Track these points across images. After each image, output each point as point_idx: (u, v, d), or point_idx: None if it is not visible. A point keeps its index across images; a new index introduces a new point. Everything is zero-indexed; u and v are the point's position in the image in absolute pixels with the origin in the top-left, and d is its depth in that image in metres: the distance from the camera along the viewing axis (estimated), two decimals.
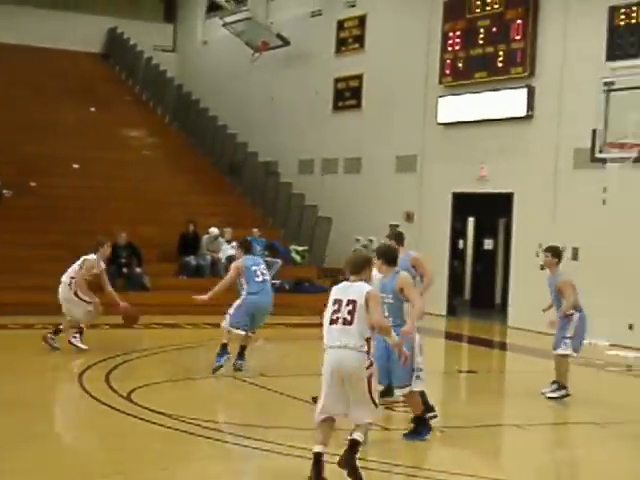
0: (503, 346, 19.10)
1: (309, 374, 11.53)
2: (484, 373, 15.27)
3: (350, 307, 7.93)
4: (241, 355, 13.15)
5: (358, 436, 7.91)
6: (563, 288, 12.16)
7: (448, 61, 22.17)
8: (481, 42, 21.29)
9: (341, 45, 26.04)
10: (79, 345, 14.17)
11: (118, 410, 10.34)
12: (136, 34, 33.18)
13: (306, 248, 24.16)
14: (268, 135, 27.98)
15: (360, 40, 25.44)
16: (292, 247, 23.90)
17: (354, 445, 7.85)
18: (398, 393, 9.57)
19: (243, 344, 13.18)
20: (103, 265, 14.73)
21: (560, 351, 12.20)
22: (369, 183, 24.65)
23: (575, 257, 18.88)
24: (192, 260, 21.86)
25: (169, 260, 22.05)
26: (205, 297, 13.31)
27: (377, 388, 8.17)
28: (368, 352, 7.91)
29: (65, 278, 14.56)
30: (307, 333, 18.46)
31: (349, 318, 7.91)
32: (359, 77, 25.34)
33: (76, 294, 14.35)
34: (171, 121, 31.68)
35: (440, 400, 11.43)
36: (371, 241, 24.33)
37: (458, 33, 21.92)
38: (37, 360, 13.67)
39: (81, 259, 14.55)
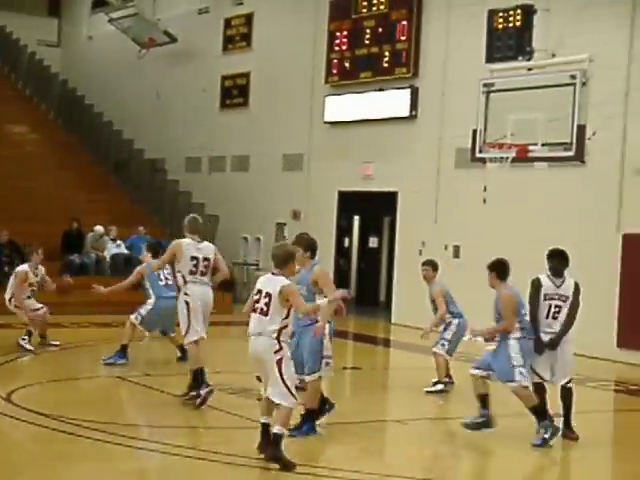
0: (387, 343, 19.40)
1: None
2: (368, 369, 15.48)
3: (267, 299, 8.45)
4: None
5: (278, 429, 8.39)
6: (435, 298, 12.71)
7: (334, 61, 22.37)
8: (367, 42, 21.55)
9: (228, 43, 26.00)
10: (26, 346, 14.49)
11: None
12: (19, 28, 32.44)
13: None
14: (155, 132, 27.76)
15: (247, 38, 25.45)
16: None
17: (276, 439, 8.38)
18: (308, 380, 9.64)
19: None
20: (41, 271, 15.20)
21: (436, 349, 12.77)
22: (257, 181, 24.70)
23: (457, 255, 19.31)
24: (76, 258, 21.57)
25: (53, 258, 21.65)
26: (104, 291, 13.28)
27: (292, 376, 8.58)
28: (278, 339, 8.40)
29: (6, 295, 14.91)
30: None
31: (265, 309, 8.46)
32: (246, 75, 25.36)
33: (17, 307, 14.81)
34: (55, 117, 31.14)
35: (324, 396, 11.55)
36: (258, 239, 24.45)
37: (344, 33, 22.13)
38: None
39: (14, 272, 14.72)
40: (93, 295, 13.44)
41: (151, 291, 13.72)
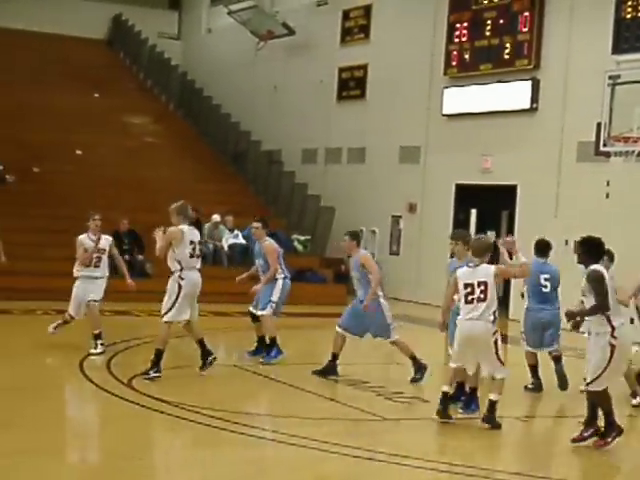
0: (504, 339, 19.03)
1: (310, 363, 11.63)
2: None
3: (482, 287, 9.63)
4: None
5: (495, 397, 9.72)
6: (365, 264, 12.38)
7: (454, 52, 22.12)
8: (487, 34, 21.24)
9: (346, 35, 25.97)
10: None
11: (118, 396, 10.35)
12: (141, 21, 33.12)
13: (308, 237, 24.12)
14: (272, 124, 27.94)
15: (365, 30, 25.37)
16: (294, 236, 23.86)
17: (493, 405, 9.74)
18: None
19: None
20: (102, 241, 13.39)
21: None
22: (372, 173, 24.61)
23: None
24: None
25: None
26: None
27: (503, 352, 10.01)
28: (494, 322, 9.70)
29: None
30: (307, 323, 18.52)
31: (483, 296, 9.64)
32: (364, 67, 25.29)
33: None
34: (175, 109, 31.66)
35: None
36: (374, 232, 24.35)
37: (464, 24, 21.86)
38: (37, 346, 13.64)
39: None
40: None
41: (280, 269, 13.26)
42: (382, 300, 12.18)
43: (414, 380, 12.11)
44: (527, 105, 20.41)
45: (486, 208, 22.47)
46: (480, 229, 24.11)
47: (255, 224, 13.39)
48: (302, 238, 23.86)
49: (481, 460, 8.88)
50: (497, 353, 9.77)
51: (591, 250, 9.28)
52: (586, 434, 9.18)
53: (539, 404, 11.96)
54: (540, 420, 11.36)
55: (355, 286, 12.49)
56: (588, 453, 9.19)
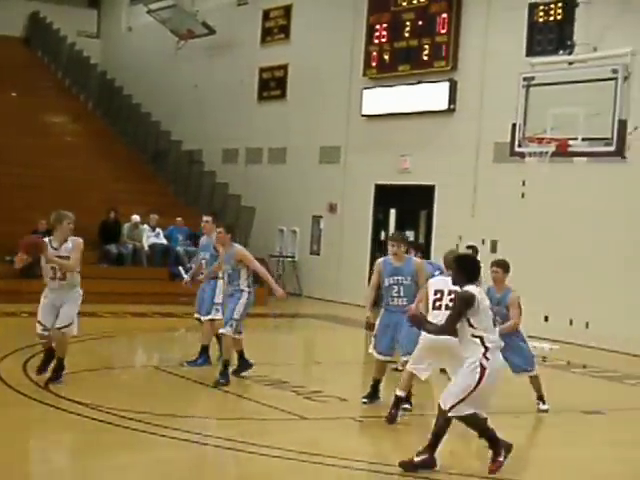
0: None
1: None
2: None
3: (452, 295, 9.34)
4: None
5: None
6: (243, 259, 11.84)
7: (373, 53, 22.30)
8: (406, 35, 21.46)
9: (266, 35, 26.00)
10: None
11: (34, 399, 10.24)
12: (59, 19, 32.72)
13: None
14: (192, 124, 27.84)
15: (285, 30, 25.44)
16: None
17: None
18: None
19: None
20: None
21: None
22: (293, 174, 24.69)
23: (494, 249, 19.17)
24: (113, 248, 21.67)
25: (90, 248, 21.77)
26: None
27: None
28: None
29: None
30: None
31: (451, 304, 9.28)
32: (284, 67, 25.36)
33: None
34: (94, 108, 31.32)
35: (360, 389, 11.54)
36: (294, 232, 24.42)
37: (384, 25, 22.06)
38: None
39: None
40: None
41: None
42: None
43: (218, 384, 11.51)
44: (445, 106, 20.68)
45: (405, 208, 22.72)
46: (399, 229, 24.39)
47: (206, 217, 13.14)
48: None
49: (398, 459, 8.98)
50: None
51: (466, 269, 8.31)
52: (500, 458, 8.32)
53: None
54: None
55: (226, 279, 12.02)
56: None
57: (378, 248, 23.42)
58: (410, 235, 24.17)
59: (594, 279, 17.58)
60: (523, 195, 18.53)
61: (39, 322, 10.94)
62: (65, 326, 10.89)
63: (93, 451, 8.55)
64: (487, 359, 8.04)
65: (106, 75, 31.45)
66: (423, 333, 9.47)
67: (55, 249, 10.88)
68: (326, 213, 23.83)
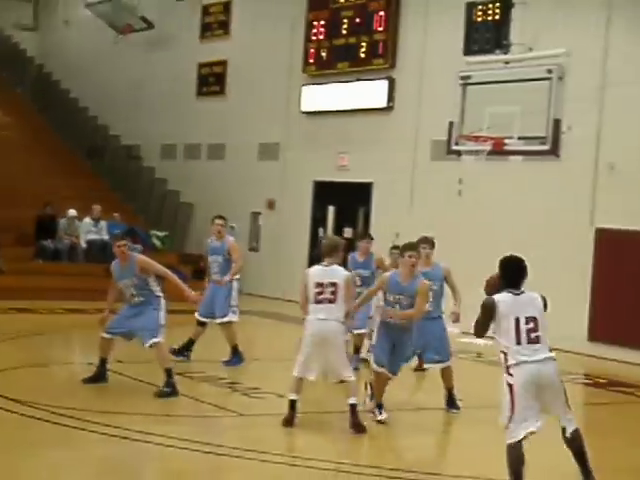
0: None
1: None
2: None
3: (333, 288, 9.47)
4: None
5: (354, 400, 9.57)
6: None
7: (312, 50, 22.34)
8: (344, 32, 21.54)
9: (206, 30, 25.91)
10: None
11: None
12: None
13: (167, 234, 24.01)
14: (131, 119, 27.64)
15: (225, 26, 25.37)
16: (153, 232, 23.71)
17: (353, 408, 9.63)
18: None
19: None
20: None
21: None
22: (232, 170, 24.65)
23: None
24: (49, 244, 21.44)
25: (25, 244, 21.58)
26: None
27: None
28: (344, 323, 9.54)
29: None
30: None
31: (333, 297, 9.45)
32: (223, 63, 25.29)
33: None
34: (31, 102, 30.92)
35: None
36: (232, 227, 24.36)
37: (322, 22, 22.11)
38: None
39: None
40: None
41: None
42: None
43: (161, 394, 10.92)
44: (383, 104, 20.80)
45: (343, 205, 22.81)
46: (338, 226, 24.51)
47: (219, 221, 13.39)
48: (160, 234, 23.73)
49: (334, 454, 9.06)
50: (346, 353, 9.75)
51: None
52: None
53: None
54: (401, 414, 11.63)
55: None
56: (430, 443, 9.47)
57: (317, 244, 23.53)
58: (349, 232, 24.38)
59: (530, 275, 17.78)
60: (460, 193, 18.72)
61: None
62: None
63: (24, 448, 8.48)
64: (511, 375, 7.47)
65: (43, 69, 31.10)
66: (307, 341, 9.54)
67: None
68: (265, 209, 23.84)
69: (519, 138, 17.08)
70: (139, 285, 11.05)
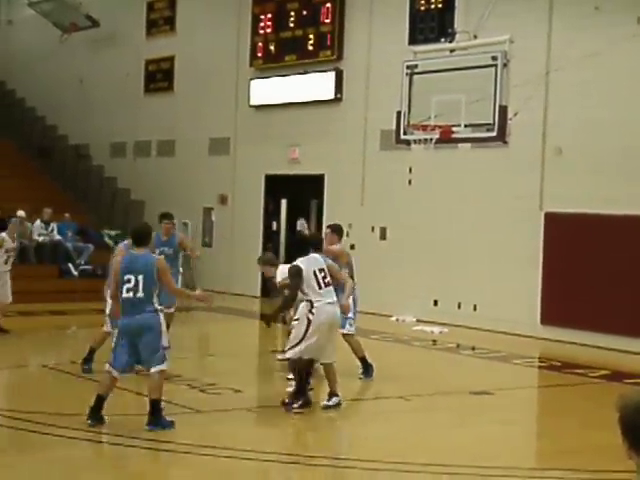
0: None
1: None
2: None
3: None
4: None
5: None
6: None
7: (259, 44, 22.31)
8: (291, 25, 21.52)
9: (152, 26, 25.77)
10: None
11: None
12: None
13: (119, 232, 23.83)
14: (78, 118, 27.42)
15: (171, 21, 25.24)
16: (104, 231, 23.56)
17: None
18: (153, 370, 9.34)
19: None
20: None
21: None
22: (183, 166, 24.57)
23: (383, 236, 19.44)
24: None
25: None
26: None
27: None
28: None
29: None
30: None
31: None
32: (171, 59, 25.17)
33: None
34: None
35: (254, 380, 11.59)
36: (185, 224, 24.29)
37: (269, 16, 22.08)
38: None
39: None
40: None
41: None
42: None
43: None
44: (332, 95, 20.84)
45: (296, 198, 22.85)
46: (290, 219, 24.57)
47: (166, 221, 13.79)
48: (112, 233, 23.57)
49: (293, 447, 9.09)
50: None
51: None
52: (295, 405, 10.08)
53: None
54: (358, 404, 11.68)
55: None
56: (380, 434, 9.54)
57: (270, 238, 23.54)
58: (302, 224, 24.39)
59: (481, 263, 17.97)
60: (410, 182, 18.77)
61: None
62: None
63: None
64: (312, 313, 9.90)
65: None
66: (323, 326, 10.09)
67: None
68: (217, 205, 23.79)
69: (466, 126, 17.11)
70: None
